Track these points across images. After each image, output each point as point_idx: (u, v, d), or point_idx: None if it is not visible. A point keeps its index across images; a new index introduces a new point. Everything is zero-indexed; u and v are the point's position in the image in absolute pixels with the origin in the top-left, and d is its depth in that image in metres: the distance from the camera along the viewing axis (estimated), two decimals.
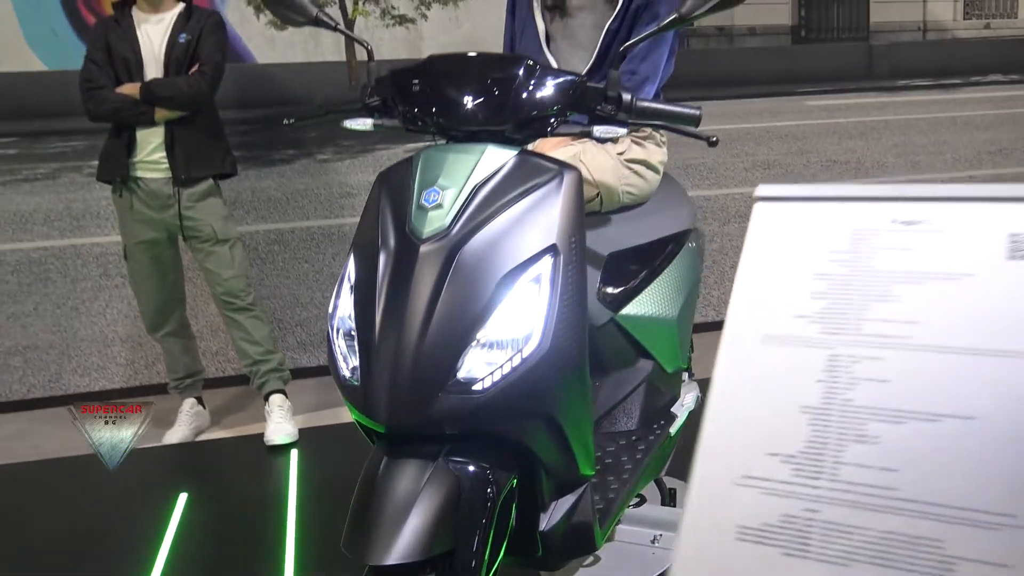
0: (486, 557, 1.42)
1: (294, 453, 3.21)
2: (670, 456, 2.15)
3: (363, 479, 1.42)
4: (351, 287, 1.50)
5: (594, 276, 1.91)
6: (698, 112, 1.62)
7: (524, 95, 1.52)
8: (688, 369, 2.48)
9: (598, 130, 1.59)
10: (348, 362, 1.46)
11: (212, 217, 3.22)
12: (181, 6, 3.18)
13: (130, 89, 3.04)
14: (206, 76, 3.07)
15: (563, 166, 1.52)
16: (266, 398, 3.41)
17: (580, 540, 1.66)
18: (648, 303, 2.01)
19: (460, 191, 1.45)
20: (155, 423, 3.57)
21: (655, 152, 2.10)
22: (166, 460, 3.30)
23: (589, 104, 1.59)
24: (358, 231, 1.55)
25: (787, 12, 4.60)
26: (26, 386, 3.97)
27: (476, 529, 1.40)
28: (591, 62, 2.02)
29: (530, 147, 1.95)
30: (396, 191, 1.51)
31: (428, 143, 1.59)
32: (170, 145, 3.09)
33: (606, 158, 1.98)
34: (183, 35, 3.11)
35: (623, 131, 1.60)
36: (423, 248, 1.41)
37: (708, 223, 4.61)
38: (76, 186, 3.99)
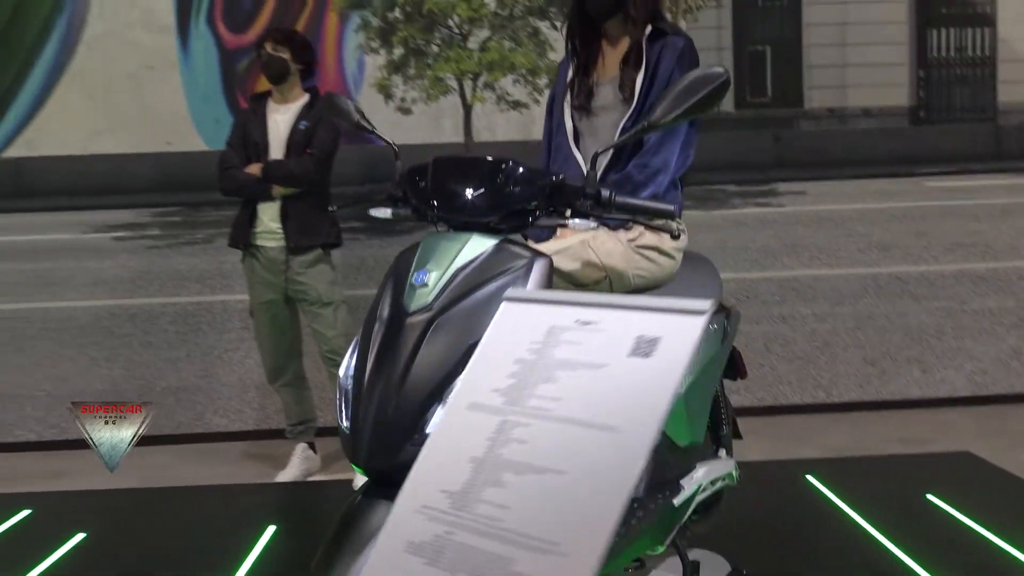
0: None
1: None
2: (675, 526, 2.20)
3: (340, 514, 1.67)
4: (356, 352, 1.77)
5: None
6: (672, 208, 1.81)
7: (506, 192, 1.77)
8: (725, 447, 2.55)
9: (572, 223, 1.80)
10: (346, 414, 1.73)
11: (319, 282, 3.63)
12: (307, 97, 3.67)
13: (254, 169, 3.54)
14: (314, 158, 3.52)
15: (536, 255, 1.74)
16: None
17: None
18: None
19: (444, 273, 1.70)
20: (272, 463, 4.00)
21: (669, 239, 2.23)
22: (266, 495, 3.68)
23: (569, 200, 1.80)
24: (371, 304, 1.83)
25: (905, 93, 4.54)
26: (175, 422, 4.53)
27: None
28: (610, 155, 2.21)
29: (557, 232, 2.16)
30: (401, 270, 1.79)
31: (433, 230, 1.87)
32: (284, 217, 3.55)
33: (616, 244, 2.13)
34: (303, 123, 3.58)
35: (594, 224, 1.80)
36: (408, 320, 1.67)
37: (819, 304, 4.56)
38: (227, 250, 4.56)
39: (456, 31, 4.53)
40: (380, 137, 2.04)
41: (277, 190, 3.55)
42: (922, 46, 4.58)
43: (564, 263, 2.02)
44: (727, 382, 2.72)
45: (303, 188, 3.57)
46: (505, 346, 1.28)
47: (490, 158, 1.84)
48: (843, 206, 4.68)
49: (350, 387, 1.72)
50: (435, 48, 4.51)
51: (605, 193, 1.77)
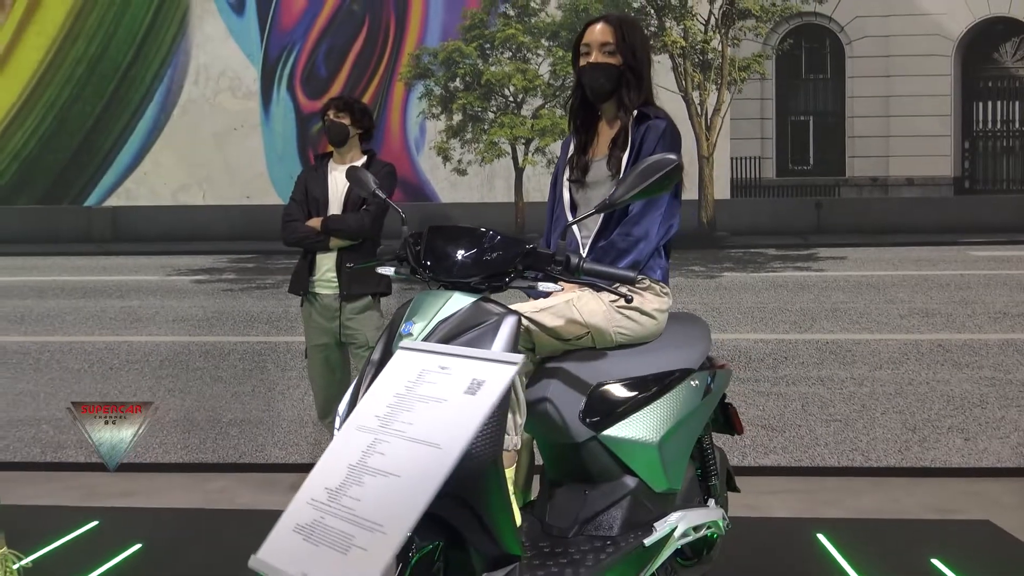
0: None
1: None
2: (646, 564, 2.35)
3: None
4: (352, 390, 2.06)
5: (578, 400, 2.30)
6: (633, 275, 2.05)
7: (486, 258, 2.04)
8: (715, 497, 2.70)
9: (541, 286, 2.06)
10: None
11: (367, 327, 3.94)
12: (365, 158, 4.03)
13: (314, 222, 3.91)
14: (369, 214, 3.86)
15: (507, 312, 2.00)
16: None
17: None
18: (631, 427, 2.32)
19: (427, 325, 1.98)
20: None
21: (652, 300, 2.44)
22: None
23: (541, 265, 2.06)
24: (371, 348, 2.12)
25: (949, 163, 4.60)
26: (238, 452, 4.90)
27: None
28: (599, 224, 2.46)
29: (552, 292, 2.41)
30: (396, 321, 2.07)
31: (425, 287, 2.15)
32: (339, 267, 3.89)
33: (598, 304, 2.36)
34: None
35: (559, 287, 2.06)
36: None
37: (858, 368, 4.61)
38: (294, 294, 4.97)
39: (511, 99, 4.86)
40: (392, 205, 2.34)
41: (334, 242, 3.91)
42: (967, 118, 4.66)
43: (550, 320, 2.25)
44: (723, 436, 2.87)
45: (358, 241, 3.91)
46: (391, 383, 1.63)
47: (477, 228, 2.12)
48: (884, 272, 4.74)
49: (344, 418, 2.00)
50: (491, 115, 4.85)
51: (573, 260, 2.02)
